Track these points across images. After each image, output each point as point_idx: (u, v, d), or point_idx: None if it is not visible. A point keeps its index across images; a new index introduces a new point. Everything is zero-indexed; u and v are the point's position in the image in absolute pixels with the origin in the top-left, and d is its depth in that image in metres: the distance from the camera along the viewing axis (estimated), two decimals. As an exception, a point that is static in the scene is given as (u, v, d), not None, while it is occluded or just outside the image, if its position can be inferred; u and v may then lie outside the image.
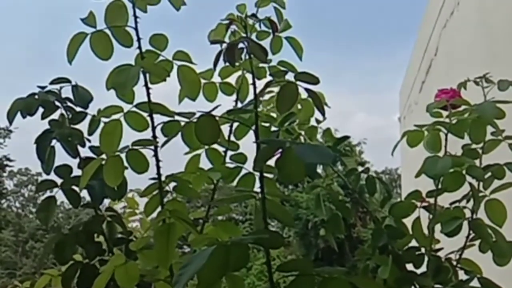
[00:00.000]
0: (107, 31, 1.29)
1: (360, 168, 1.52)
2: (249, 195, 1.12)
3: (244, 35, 1.32)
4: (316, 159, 1.04)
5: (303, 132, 1.59)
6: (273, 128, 1.52)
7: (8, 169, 27.55)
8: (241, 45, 1.10)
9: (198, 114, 1.19)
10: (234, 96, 1.66)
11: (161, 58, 1.35)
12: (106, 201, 1.54)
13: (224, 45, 1.11)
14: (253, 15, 1.43)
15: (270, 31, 1.54)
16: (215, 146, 1.47)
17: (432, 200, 1.42)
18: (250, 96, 1.57)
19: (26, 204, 30.35)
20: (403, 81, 6.26)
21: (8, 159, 26.58)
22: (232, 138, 1.53)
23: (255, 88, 1.15)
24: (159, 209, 1.34)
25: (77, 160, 1.45)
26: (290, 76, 1.13)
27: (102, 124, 1.40)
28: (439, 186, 1.37)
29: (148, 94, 1.30)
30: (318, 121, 1.61)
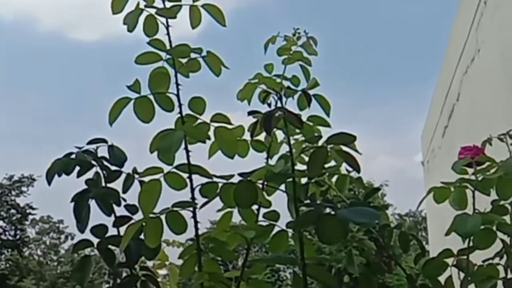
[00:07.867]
0: (150, 96, 1.34)
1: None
2: (290, 259, 1.12)
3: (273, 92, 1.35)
4: (361, 220, 1.06)
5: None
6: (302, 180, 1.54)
7: (30, 217, 27.73)
8: (277, 114, 1.14)
9: (236, 176, 1.22)
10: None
11: (199, 120, 1.38)
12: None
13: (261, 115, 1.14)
14: (289, 88, 1.48)
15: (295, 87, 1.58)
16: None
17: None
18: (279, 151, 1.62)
19: (47, 252, 30.34)
20: (424, 125, 6.24)
21: (31, 207, 26.81)
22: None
23: (292, 154, 1.18)
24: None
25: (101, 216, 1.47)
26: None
27: (136, 182, 1.44)
28: (470, 243, 1.36)
29: (188, 156, 1.33)
30: (348, 170, 1.62)
